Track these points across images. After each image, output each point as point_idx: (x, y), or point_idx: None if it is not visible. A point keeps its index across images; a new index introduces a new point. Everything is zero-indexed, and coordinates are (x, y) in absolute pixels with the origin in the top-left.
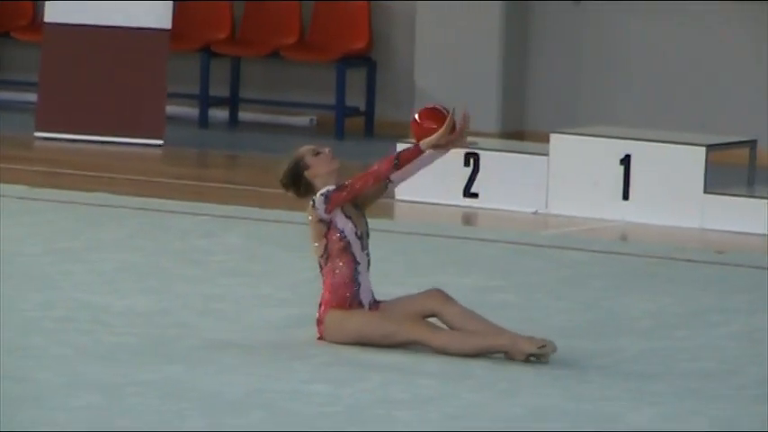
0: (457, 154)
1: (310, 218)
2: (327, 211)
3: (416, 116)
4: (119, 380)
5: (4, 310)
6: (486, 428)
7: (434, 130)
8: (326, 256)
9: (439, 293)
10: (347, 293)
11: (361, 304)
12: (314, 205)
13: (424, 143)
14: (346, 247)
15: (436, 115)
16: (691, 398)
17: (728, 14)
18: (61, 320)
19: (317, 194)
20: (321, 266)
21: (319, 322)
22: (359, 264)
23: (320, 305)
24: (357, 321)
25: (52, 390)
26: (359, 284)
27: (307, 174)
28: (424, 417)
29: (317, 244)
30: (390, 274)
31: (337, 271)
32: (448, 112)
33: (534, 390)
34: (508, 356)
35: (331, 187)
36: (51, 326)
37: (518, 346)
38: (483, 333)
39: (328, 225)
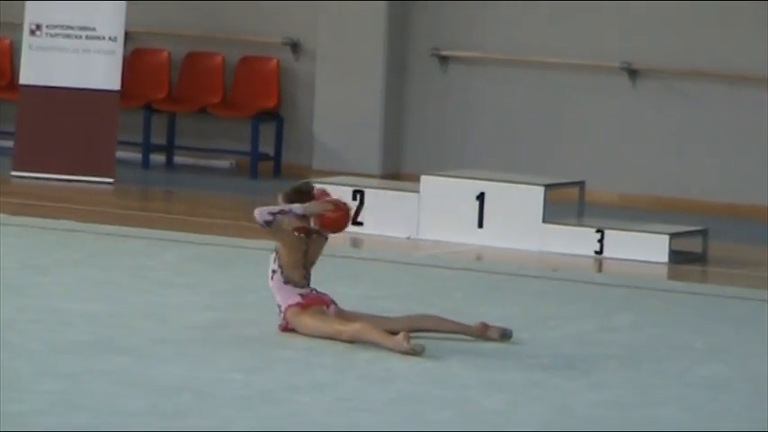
0: (346, 190)
1: None
2: None
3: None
4: (78, 369)
5: None
6: (369, 409)
7: (334, 219)
8: None
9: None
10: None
11: None
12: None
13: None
14: None
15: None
16: (533, 387)
17: (566, 80)
18: (32, 322)
19: None
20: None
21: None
22: None
23: None
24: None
25: (24, 377)
26: None
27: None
28: (320, 399)
29: None
30: None
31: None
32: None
33: (407, 379)
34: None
35: None
36: (24, 326)
37: (399, 347)
38: (386, 332)
39: None
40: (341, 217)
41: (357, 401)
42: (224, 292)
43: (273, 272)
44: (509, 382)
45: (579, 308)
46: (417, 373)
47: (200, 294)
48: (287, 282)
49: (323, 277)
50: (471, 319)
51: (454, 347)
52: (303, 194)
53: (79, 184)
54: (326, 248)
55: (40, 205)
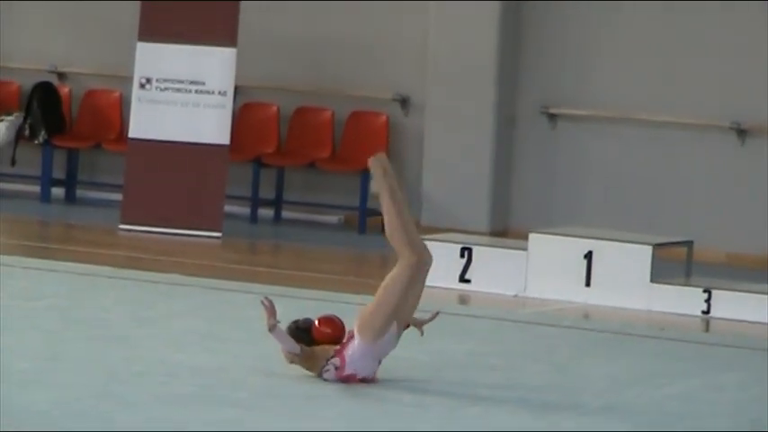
0: (454, 247)
1: None
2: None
3: (316, 322)
4: (183, 420)
5: (92, 364)
6: None
7: (329, 335)
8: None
9: None
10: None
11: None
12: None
13: None
14: None
15: (332, 322)
16: None
17: (674, 139)
18: (138, 374)
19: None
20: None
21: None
22: None
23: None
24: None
25: (129, 427)
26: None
27: None
28: None
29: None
30: (402, 341)
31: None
32: (341, 322)
33: None
34: None
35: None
36: (130, 378)
37: None
38: None
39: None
40: (337, 331)
41: None
42: None
43: (329, 370)
44: None
45: (686, 367)
46: (524, 430)
47: None
48: (339, 368)
49: (429, 332)
50: (577, 377)
51: (559, 403)
52: (304, 331)
53: (186, 238)
54: (433, 306)
55: (147, 258)
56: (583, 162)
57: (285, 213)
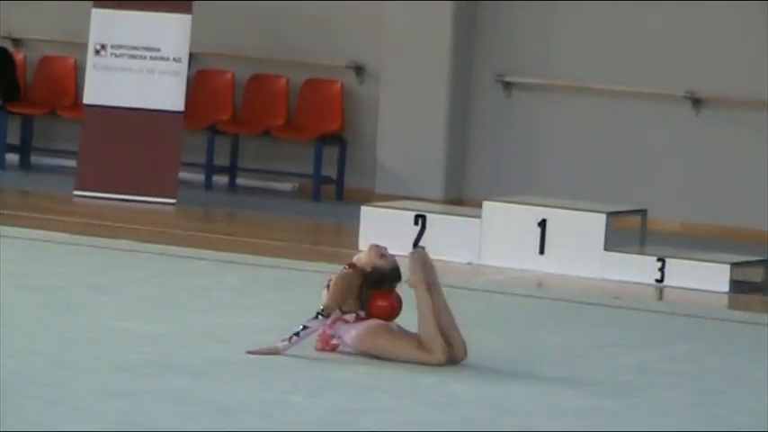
0: (409, 214)
1: None
2: None
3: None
4: (138, 389)
5: (47, 332)
6: None
7: (384, 308)
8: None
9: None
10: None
11: None
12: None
13: None
14: None
15: (389, 297)
16: (594, 415)
17: (629, 108)
18: (92, 341)
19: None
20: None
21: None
22: None
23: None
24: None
25: (84, 396)
26: None
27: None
28: (380, 424)
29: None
30: None
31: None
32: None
33: (467, 404)
34: None
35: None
36: (84, 345)
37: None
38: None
39: None
40: (393, 307)
41: (418, 426)
42: (284, 314)
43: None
44: (570, 409)
45: (640, 336)
46: (478, 399)
47: (260, 316)
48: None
49: None
50: (531, 346)
51: (513, 372)
52: (385, 284)
53: (141, 205)
54: None
55: (102, 225)
56: (538, 131)
57: (240, 181)
